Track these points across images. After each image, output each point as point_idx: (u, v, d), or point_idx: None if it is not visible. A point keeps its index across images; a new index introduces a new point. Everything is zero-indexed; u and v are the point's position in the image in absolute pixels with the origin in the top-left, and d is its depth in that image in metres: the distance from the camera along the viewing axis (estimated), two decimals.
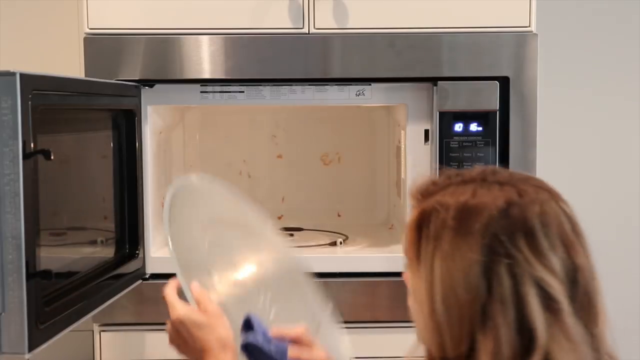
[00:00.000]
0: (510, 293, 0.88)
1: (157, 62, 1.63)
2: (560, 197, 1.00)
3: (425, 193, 0.97)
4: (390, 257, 1.74)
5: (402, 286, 1.69)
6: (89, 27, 1.63)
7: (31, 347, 1.14)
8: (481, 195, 0.92)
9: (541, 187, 0.98)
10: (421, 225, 0.94)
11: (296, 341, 1.18)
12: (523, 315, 0.87)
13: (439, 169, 1.65)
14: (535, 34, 1.65)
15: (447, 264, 0.90)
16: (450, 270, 0.90)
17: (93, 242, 1.55)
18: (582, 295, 0.94)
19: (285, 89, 1.69)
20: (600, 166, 2.29)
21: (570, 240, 0.97)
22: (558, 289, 0.90)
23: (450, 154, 1.65)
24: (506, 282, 0.88)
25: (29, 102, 1.12)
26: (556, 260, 0.92)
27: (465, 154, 1.65)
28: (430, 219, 0.93)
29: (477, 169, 0.98)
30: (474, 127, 1.65)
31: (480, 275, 0.88)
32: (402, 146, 1.78)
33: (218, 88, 1.69)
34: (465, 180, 0.95)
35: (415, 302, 0.97)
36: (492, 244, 0.89)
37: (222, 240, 1.27)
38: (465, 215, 0.91)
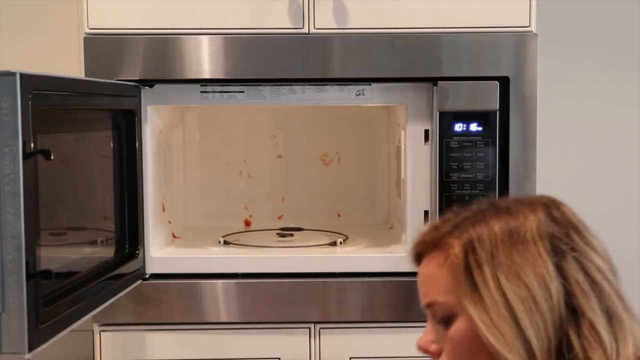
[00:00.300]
0: (587, 283, 0.94)
1: (157, 62, 1.63)
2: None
3: (436, 235, 0.98)
4: (390, 257, 1.74)
5: (402, 286, 1.70)
6: (89, 27, 1.63)
7: (31, 347, 1.14)
8: (511, 214, 0.96)
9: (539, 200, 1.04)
10: (466, 258, 0.93)
11: None
12: (603, 300, 0.95)
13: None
14: (535, 34, 1.65)
15: (516, 278, 0.91)
16: (523, 283, 0.90)
17: (93, 242, 1.55)
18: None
19: (285, 89, 1.69)
20: (600, 166, 2.29)
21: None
22: (608, 272, 1.00)
23: (450, 154, 1.65)
24: (579, 274, 0.93)
25: (29, 102, 1.12)
26: (599, 247, 1.01)
27: (465, 154, 1.65)
28: (475, 247, 0.93)
29: (477, 203, 1.00)
30: (474, 127, 1.65)
31: (555, 275, 0.91)
32: (402, 146, 1.78)
33: (218, 88, 1.69)
34: (477, 211, 0.97)
35: (489, 334, 0.91)
36: (553, 244, 0.94)
37: None
38: (512, 230, 0.93)
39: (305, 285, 1.68)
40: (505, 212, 0.96)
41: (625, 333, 0.94)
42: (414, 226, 1.71)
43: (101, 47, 1.62)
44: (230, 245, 1.83)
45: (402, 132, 1.76)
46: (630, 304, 1.00)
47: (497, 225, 0.94)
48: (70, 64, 1.91)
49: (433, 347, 1.03)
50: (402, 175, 1.78)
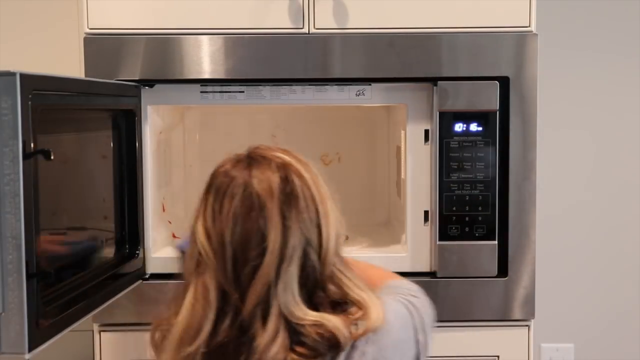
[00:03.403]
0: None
1: (157, 62, 1.63)
2: (262, 172, 1.10)
3: None
4: (390, 257, 1.74)
5: None
6: (89, 27, 1.63)
7: (31, 347, 1.13)
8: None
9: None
10: None
11: None
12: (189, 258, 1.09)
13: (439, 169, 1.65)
14: (535, 34, 1.65)
15: None
16: None
17: (93, 242, 1.55)
18: (232, 262, 1.07)
19: (285, 89, 1.69)
20: (600, 166, 2.29)
21: (230, 211, 1.08)
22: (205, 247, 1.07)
23: (450, 154, 1.65)
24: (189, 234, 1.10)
25: (29, 102, 1.12)
26: (212, 224, 1.09)
27: (465, 154, 1.65)
28: None
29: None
30: (474, 127, 1.65)
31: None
32: (402, 146, 1.78)
33: (218, 88, 1.69)
34: None
35: None
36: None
37: None
38: None
39: None
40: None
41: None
42: (414, 226, 1.71)
43: (101, 47, 1.62)
44: None
45: (402, 132, 1.76)
46: None
47: None
48: (70, 64, 1.91)
49: None
50: (402, 175, 1.78)
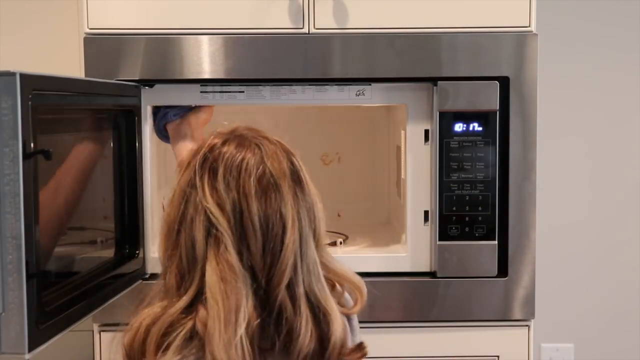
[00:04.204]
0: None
1: (157, 62, 1.63)
2: (272, 154, 1.09)
3: None
4: (390, 257, 1.74)
5: (402, 286, 1.70)
6: (89, 27, 1.63)
7: (31, 347, 1.13)
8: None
9: (262, 144, 1.10)
10: None
11: None
12: (193, 235, 1.03)
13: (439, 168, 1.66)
14: (535, 34, 1.65)
15: None
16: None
17: (93, 242, 1.55)
18: (255, 239, 1.03)
19: (285, 89, 1.69)
20: (600, 166, 2.30)
21: (248, 188, 1.04)
22: (222, 222, 1.03)
23: (450, 154, 1.65)
24: (185, 206, 1.05)
25: (29, 102, 1.12)
26: (227, 199, 1.04)
27: (465, 154, 1.65)
28: None
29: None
30: (474, 127, 1.65)
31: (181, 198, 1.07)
32: (402, 146, 1.78)
33: (218, 88, 1.69)
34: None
35: None
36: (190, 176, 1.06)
37: None
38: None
39: None
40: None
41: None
42: (414, 226, 1.71)
43: (101, 47, 1.62)
44: None
45: (402, 132, 1.76)
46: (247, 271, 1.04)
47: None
48: (70, 64, 1.91)
49: None
50: (402, 175, 1.78)
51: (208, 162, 1.06)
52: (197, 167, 1.06)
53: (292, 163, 1.09)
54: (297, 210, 1.05)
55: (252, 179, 1.04)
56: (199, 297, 1.02)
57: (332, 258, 1.15)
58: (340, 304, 1.13)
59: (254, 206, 1.03)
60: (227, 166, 1.05)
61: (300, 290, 1.03)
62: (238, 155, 1.06)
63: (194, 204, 1.05)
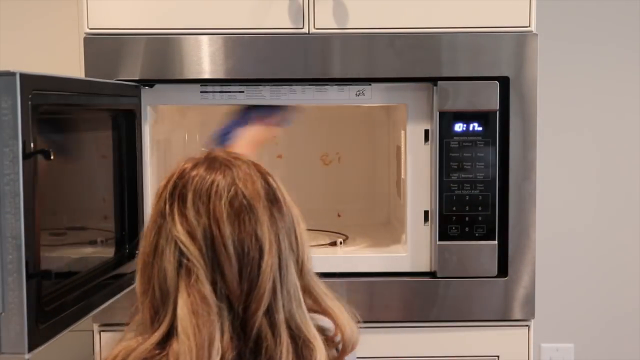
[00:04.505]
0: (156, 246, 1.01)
1: (157, 62, 1.63)
2: (245, 175, 1.03)
3: None
4: (390, 257, 1.74)
5: (402, 286, 1.70)
6: (89, 27, 1.63)
7: (31, 347, 1.13)
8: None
9: (232, 165, 1.04)
10: None
11: None
12: (164, 267, 0.99)
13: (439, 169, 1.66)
14: (535, 34, 1.65)
15: None
16: None
17: (93, 242, 1.55)
18: (230, 266, 0.98)
19: (285, 89, 1.69)
20: (600, 166, 2.29)
21: (220, 212, 0.99)
22: (193, 251, 0.98)
23: (450, 154, 1.65)
24: (156, 238, 1.01)
25: (29, 102, 1.12)
26: (197, 227, 0.99)
27: (465, 154, 1.65)
28: None
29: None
30: (474, 127, 1.65)
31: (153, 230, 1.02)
32: (402, 146, 1.78)
33: (218, 88, 1.69)
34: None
35: None
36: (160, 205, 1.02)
37: None
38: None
39: None
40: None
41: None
42: (414, 226, 1.71)
43: (101, 47, 1.63)
44: None
45: (402, 132, 1.76)
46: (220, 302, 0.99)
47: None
48: (70, 64, 1.91)
49: None
50: (402, 175, 1.78)
51: (177, 189, 1.01)
52: (167, 196, 1.02)
53: (267, 183, 1.03)
54: (275, 232, 1.00)
55: (222, 202, 0.98)
56: (172, 332, 0.98)
57: (324, 290, 1.08)
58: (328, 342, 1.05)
59: (227, 231, 0.98)
60: (197, 191, 1.00)
61: (281, 317, 0.99)
62: (208, 178, 1.00)
63: (165, 235, 1.00)
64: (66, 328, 1.25)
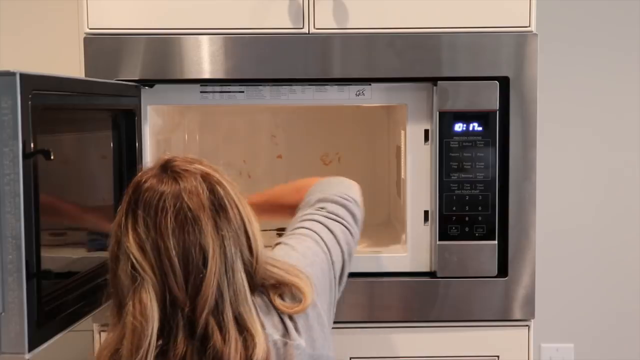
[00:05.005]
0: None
1: (157, 62, 1.63)
2: (191, 188, 1.12)
3: None
4: (390, 257, 1.74)
5: (402, 286, 1.70)
6: (89, 27, 1.63)
7: (31, 347, 1.13)
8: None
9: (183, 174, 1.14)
10: None
11: None
12: (120, 276, 1.12)
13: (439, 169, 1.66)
14: (535, 34, 1.65)
15: None
16: None
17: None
18: (175, 275, 1.09)
19: (285, 89, 1.69)
20: (601, 166, 2.29)
21: (165, 227, 1.09)
22: (143, 264, 1.09)
23: (450, 154, 1.65)
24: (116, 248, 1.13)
25: (29, 102, 1.12)
26: (146, 240, 1.10)
27: (465, 154, 1.65)
28: None
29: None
30: (474, 127, 1.65)
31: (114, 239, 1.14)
32: (402, 146, 1.78)
33: (218, 88, 1.69)
34: None
35: None
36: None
37: None
38: None
39: None
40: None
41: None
42: (414, 226, 1.71)
43: (101, 47, 1.63)
44: None
45: (402, 132, 1.76)
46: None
47: None
48: (70, 64, 1.90)
49: None
50: (402, 175, 1.78)
51: (131, 205, 1.12)
52: (124, 209, 1.13)
53: (213, 193, 1.12)
54: (220, 239, 1.10)
55: (168, 216, 1.09)
56: None
57: (274, 263, 1.20)
58: (283, 304, 1.17)
59: (171, 243, 1.08)
60: (146, 207, 1.10)
61: (229, 316, 1.09)
62: (156, 194, 1.11)
63: (121, 246, 1.12)
64: (66, 328, 1.25)
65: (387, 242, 1.88)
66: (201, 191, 1.11)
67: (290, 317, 1.18)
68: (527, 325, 1.70)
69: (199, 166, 1.15)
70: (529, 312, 1.69)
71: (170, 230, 1.08)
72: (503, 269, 1.68)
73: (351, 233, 1.39)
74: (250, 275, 1.14)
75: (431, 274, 1.70)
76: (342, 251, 1.35)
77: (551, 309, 2.25)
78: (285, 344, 1.15)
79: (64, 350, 1.66)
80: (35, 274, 1.14)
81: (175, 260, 1.08)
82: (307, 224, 1.36)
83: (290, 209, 1.49)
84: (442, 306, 1.69)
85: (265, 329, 1.14)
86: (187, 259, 1.08)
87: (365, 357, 1.70)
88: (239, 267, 1.12)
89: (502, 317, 1.69)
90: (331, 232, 1.35)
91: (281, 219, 1.58)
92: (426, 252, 1.70)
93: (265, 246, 1.21)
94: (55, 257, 1.33)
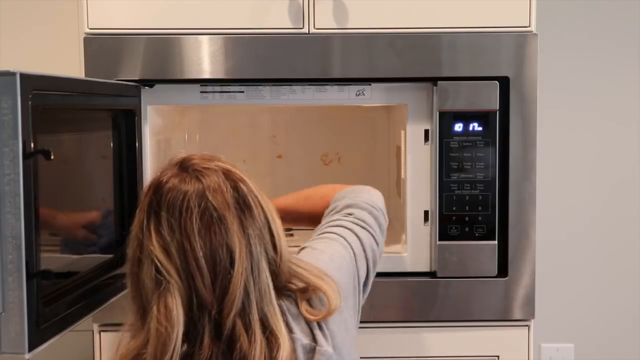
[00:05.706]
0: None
1: (157, 62, 1.63)
2: (214, 187, 1.09)
3: None
4: (390, 257, 1.74)
5: (402, 286, 1.70)
6: (89, 27, 1.63)
7: (31, 347, 1.13)
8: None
9: (204, 174, 1.10)
10: None
11: None
12: (144, 280, 1.07)
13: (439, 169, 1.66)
14: (535, 34, 1.65)
15: None
16: None
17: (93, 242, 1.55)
18: (202, 277, 1.06)
19: (285, 89, 1.69)
20: (601, 166, 2.29)
21: (190, 228, 1.06)
22: (168, 268, 1.05)
23: (450, 154, 1.65)
24: (138, 251, 1.09)
25: (29, 102, 1.12)
26: (171, 243, 1.06)
27: (465, 154, 1.65)
28: None
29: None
30: (474, 127, 1.65)
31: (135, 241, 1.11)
32: (402, 146, 1.78)
33: (218, 88, 1.69)
34: None
35: None
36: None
37: None
38: None
39: None
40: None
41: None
42: (414, 226, 1.71)
43: (101, 47, 1.63)
44: None
45: (402, 132, 1.76)
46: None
47: None
48: (70, 64, 1.91)
49: None
50: (402, 175, 1.78)
51: (153, 207, 1.08)
52: (145, 211, 1.09)
53: (237, 190, 1.10)
54: (246, 237, 1.08)
55: (194, 217, 1.06)
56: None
57: (298, 262, 1.17)
58: (309, 311, 1.14)
59: (197, 244, 1.05)
60: (170, 208, 1.07)
61: (255, 317, 1.07)
62: (179, 194, 1.07)
63: (144, 250, 1.08)
64: (66, 328, 1.25)
65: (387, 242, 1.87)
66: (225, 189, 1.08)
67: (318, 323, 1.15)
68: (527, 325, 1.70)
69: (219, 163, 1.12)
70: (529, 312, 1.69)
71: (196, 231, 1.05)
72: (503, 269, 1.68)
73: (376, 241, 1.36)
74: (275, 274, 1.12)
75: (431, 274, 1.70)
76: (366, 258, 1.32)
77: (551, 309, 2.25)
78: (312, 349, 1.13)
79: (64, 350, 1.67)
80: (35, 274, 1.14)
81: (203, 261, 1.05)
82: (334, 229, 1.33)
83: (315, 215, 1.46)
84: (442, 306, 1.69)
85: (294, 333, 1.11)
86: (214, 260, 1.05)
87: (365, 357, 1.70)
88: (264, 266, 1.09)
89: (502, 317, 1.69)
90: (358, 238, 1.32)
91: (307, 225, 1.55)
92: (426, 252, 1.70)
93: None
94: (55, 257, 1.33)
